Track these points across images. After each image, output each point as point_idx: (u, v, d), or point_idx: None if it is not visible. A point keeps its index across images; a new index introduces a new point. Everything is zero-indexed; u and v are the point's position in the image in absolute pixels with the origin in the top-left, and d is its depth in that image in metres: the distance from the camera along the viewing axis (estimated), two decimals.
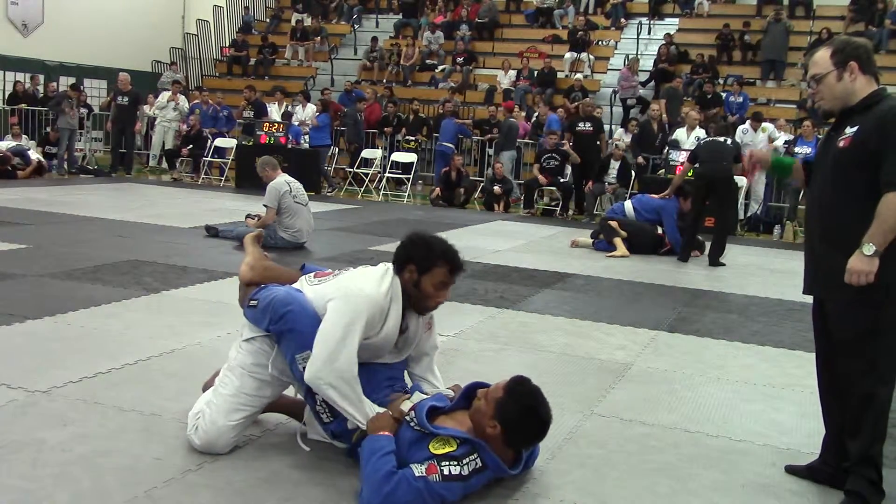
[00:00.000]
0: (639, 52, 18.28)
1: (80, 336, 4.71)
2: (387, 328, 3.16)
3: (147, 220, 9.30)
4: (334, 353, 2.99)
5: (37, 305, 5.23)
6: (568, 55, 18.59)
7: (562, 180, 13.11)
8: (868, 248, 2.95)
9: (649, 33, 19.04)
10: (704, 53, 17.82)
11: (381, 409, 3.07)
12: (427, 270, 3.15)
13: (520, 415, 2.91)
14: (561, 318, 5.90)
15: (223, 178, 14.69)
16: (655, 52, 18.09)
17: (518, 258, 8.40)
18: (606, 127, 14.90)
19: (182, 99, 16.27)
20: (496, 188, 13.27)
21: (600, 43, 19.45)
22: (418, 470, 2.78)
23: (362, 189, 14.41)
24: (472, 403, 3.02)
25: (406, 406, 3.06)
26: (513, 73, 18.13)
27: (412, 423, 2.94)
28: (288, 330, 3.13)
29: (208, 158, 15.04)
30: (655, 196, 9.76)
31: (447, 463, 2.81)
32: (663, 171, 12.33)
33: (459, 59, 19.15)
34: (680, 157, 11.87)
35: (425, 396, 3.14)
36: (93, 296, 5.60)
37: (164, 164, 15.93)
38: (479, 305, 6.12)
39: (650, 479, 3.29)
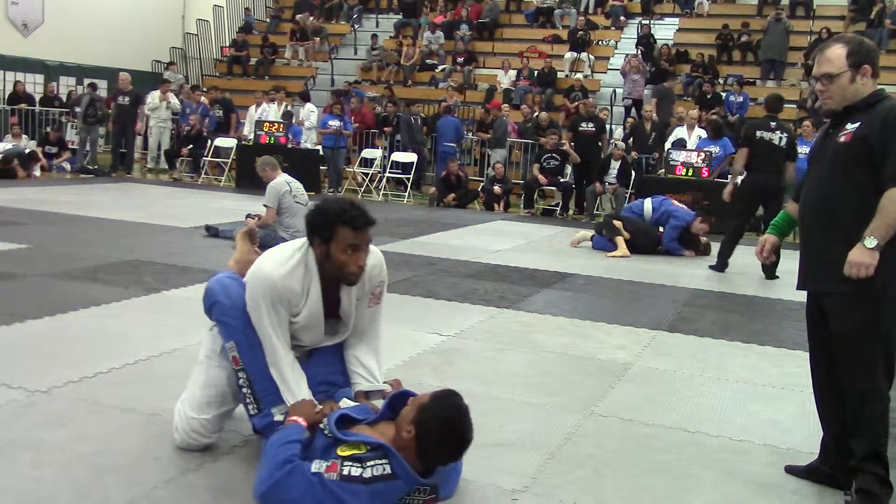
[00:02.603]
0: (654, 51, 18.25)
1: (81, 336, 4.72)
2: (309, 305, 3.06)
3: (147, 219, 9.30)
4: (260, 334, 3.04)
5: (37, 305, 5.23)
6: (568, 55, 18.60)
7: (562, 180, 13.12)
8: (870, 242, 2.96)
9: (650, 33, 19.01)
10: (704, 53, 17.82)
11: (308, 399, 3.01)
12: (331, 238, 3.00)
13: (439, 423, 2.71)
14: (561, 317, 5.91)
15: (223, 178, 14.70)
16: (656, 52, 18.08)
17: (518, 258, 8.40)
18: (607, 127, 14.88)
19: (172, 97, 16.27)
20: (496, 188, 13.27)
21: (600, 43, 19.46)
22: (317, 466, 2.64)
23: (362, 189, 14.40)
24: (398, 413, 2.85)
25: (342, 403, 2.99)
26: (513, 72, 18.14)
27: (325, 431, 2.81)
28: (217, 321, 3.19)
29: (208, 158, 15.05)
30: (681, 204, 9.57)
31: (349, 464, 2.64)
32: (663, 170, 12.32)
33: (459, 59, 19.16)
34: (680, 156, 11.87)
35: (350, 405, 3.01)
36: (93, 296, 5.60)
37: (164, 164, 15.93)
38: (480, 305, 6.12)
39: (650, 479, 3.29)
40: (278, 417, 2.99)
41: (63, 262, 6.65)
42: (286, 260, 3.07)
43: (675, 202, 9.69)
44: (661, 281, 7.64)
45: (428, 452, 2.73)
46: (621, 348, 5.19)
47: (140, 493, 2.86)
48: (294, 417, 2.85)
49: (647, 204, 9.67)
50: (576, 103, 16.81)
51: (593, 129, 13.43)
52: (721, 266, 8.41)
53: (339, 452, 2.68)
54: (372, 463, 2.66)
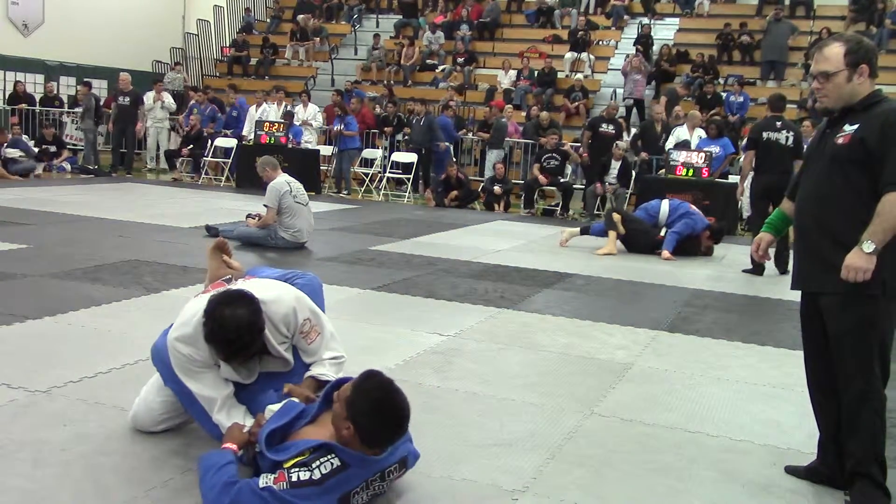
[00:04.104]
0: (651, 51, 18.24)
1: (81, 336, 4.72)
2: (221, 363, 3.05)
3: (147, 220, 9.30)
4: (208, 406, 3.03)
5: (37, 305, 5.23)
6: (568, 55, 18.60)
7: (562, 180, 13.11)
8: (868, 246, 2.96)
9: (650, 33, 19.01)
10: (704, 53, 17.82)
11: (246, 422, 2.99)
12: (204, 340, 2.95)
13: (371, 409, 2.63)
14: (561, 317, 5.90)
15: (223, 178, 14.70)
16: (657, 52, 18.09)
17: (518, 258, 8.40)
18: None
19: (167, 96, 16.27)
20: (496, 188, 13.26)
21: (601, 43, 19.46)
22: (264, 480, 2.58)
23: (363, 189, 14.41)
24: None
25: (267, 413, 2.93)
26: (513, 73, 18.14)
27: (262, 452, 2.76)
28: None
29: (208, 158, 15.06)
30: (699, 212, 9.48)
31: (296, 470, 2.59)
32: (664, 171, 12.32)
33: (460, 60, 19.16)
34: (681, 157, 11.86)
35: (276, 410, 2.92)
36: (93, 296, 5.60)
37: (164, 164, 15.93)
38: (480, 305, 6.12)
39: (650, 479, 3.29)
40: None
41: (63, 263, 6.65)
42: (183, 326, 3.04)
43: (694, 208, 9.56)
44: (661, 281, 7.64)
45: (373, 439, 2.67)
46: (622, 348, 5.19)
47: (139, 493, 2.86)
48: (225, 445, 2.82)
49: (665, 206, 9.51)
50: (576, 103, 16.86)
51: (613, 131, 13.43)
52: (759, 270, 8.33)
53: (285, 464, 2.64)
54: (318, 463, 2.61)
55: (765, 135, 8.13)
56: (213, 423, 3.06)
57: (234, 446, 2.79)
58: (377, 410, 2.66)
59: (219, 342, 2.88)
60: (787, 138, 8.09)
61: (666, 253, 8.98)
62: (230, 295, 2.96)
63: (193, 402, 3.11)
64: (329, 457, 2.63)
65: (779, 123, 8.23)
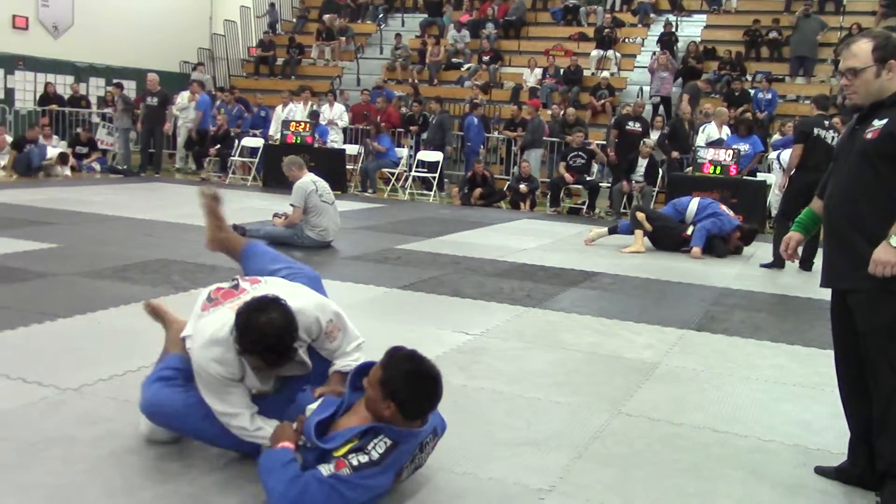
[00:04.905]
0: (676, 49, 18.12)
1: (110, 334, 4.77)
2: (248, 372, 3.02)
3: (175, 219, 9.37)
4: (229, 421, 2.99)
5: (68, 304, 5.29)
6: (594, 53, 18.53)
7: (588, 178, 13.06)
8: (895, 240, 2.92)
9: (676, 30, 18.89)
10: (732, 50, 17.67)
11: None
12: (243, 352, 2.93)
13: (406, 383, 2.73)
14: (588, 316, 5.88)
15: (250, 178, 14.79)
16: (683, 49, 17.97)
17: (544, 256, 8.38)
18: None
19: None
20: (522, 187, 13.23)
21: (627, 40, 19.36)
22: (326, 469, 2.66)
23: (388, 188, 14.43)
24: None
25: (309, 411, 2.95)
26: (539, 71, 18.09)
27: (308, 445, 2.81)
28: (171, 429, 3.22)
29: (235, 158, 15.15)
30: (730, 212, 9.41)
31: (353, 455, 2.69)
32: (691, 168, 12.24)
33: (485, 58, 19.13)
34: (708, 154, 11.77)
35: (315, 406, 2.96)
36: (122, 294, 5.66)
37: (192, 164, 16.06)
38: (506, 304, 6.11)
39: (678, 479, 3.27)
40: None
41: (93, 262, 6.72)
42: (213, 344, 3.00)
43: (724, 207, 9.46)
44: (689, 280, 7.59)
45: (415, 409, 2.78)
46: (649, 347, 5.16)
47: (168, 491, 2.89)
48: (281, 444, 2.83)
49: (693, 204, 9.44)
50: (601, 101, 16.78)
51: (640, 128, 13.35)
52: (779, 264, 8.33)
53: (336, 454, 2.70)
54: (371, 445, 2.71)
55: (815, 130, 8.08)
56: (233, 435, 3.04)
57: (290, 444, 2.82)
58: (412, 381, 2.76)
59: (263, 351, 2.88)
60: (833, 138, 8.04)
61: (696, 250, 8.91)
62: (259, 303, 2.96)
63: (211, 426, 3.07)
64: (379, 437, 2.73)
65: (826, 122, 8.20)
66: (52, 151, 13.90)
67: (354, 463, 2.67)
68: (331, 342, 3.17)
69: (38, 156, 13.52)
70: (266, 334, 2.85)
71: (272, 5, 22.77)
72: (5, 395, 3.68)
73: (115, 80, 17.30)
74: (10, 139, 13.93)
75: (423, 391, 2.79)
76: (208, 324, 3.09)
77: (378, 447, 2.71)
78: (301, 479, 2.64)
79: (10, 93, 17.91)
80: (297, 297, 3.10)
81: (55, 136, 15.21)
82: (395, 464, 2.75)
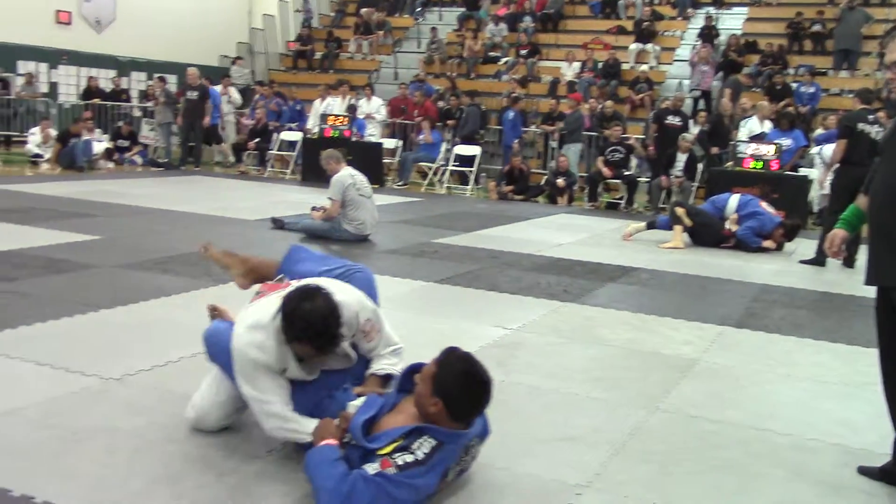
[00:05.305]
0: (716, 42, 17.91)
1: (152, 325, 4.83)
2: (290, 369, 3.04)
3: (215, 212, 9.47)
4: (259, 407, 3.02)
5: (110, 295, 5.38)
6: (633, 46, 18.37)
7: (626, 173, 12.97)
8: None
9: (716, 23, 18.67)
10: (774, 43, 17.42)
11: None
12: (291, 341, 2.96)
13: (457, 382, 2.76)
14: (625, 312, 5.84)
15: (289, 171, 14.89)
16: (724, 43, 17.74)
17: (582, 252, 8.34)
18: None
19: (233, 91, 16.50)
20: (560, 181, 13.17)
21: (666, 33, 19.18)
22: (372, 468, 2.67)
23: (426, 182, 14.46)
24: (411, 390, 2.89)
25: (352, 409, 2.95)
26: (577, 64, 17.98)
27: (352, 443, 2.82)
28: (217, 364, 3.29)
29: (274, 152, 15.27)
30: (770, 208, 9.30)
31: (398, 454, 2.69)
32: (731, 163, 12.10)
33: (523, 52, 19.04)
34: (749, 148, 11.62)
35: (359, 404, 2.96)
36: (163, 286, 5.73)
37: (232, 158, 16.21)
38: (543, 299, 6.09)
39: (716, 476, 3.24)
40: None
41: (134, 254, 6.82)
42: (255, 330, 3.03)
43: (765, 205, 9.36)
44: (728, 276, 7.51)
45: (461, 410, 2.80)
46: (687, 343, 5.12)
47: (210, 480, 2.92)
48: (325, 442, 2.84)
49: (733, 201, 9.35)
50: (640, 95, 16.64)
51: (679, 122, 13.24)
52: (821, 260, 8.23)
53: (381, 452, 2.72)
54: (417, 445, 2.72)
55: (860, 126, 7.96)
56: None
57: (335, 441, 2.83)
58: (463, 382, 2.78)
59: (312, 337, 2.91)
60: (878, 133, 7.90)
61: (768, 242, 8.99)
62: (303, 291, 2.99)
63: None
64: (424, 438, 2.74)
65: (871, 117, 8.06)
66: (98, 146, 14.13)
67: (400, 462, 2.68)
68: (368, 342, 3.20)
69: (85, 151, 13.72)
70: (312, 321, 2.89)
71: (306, 1, 22.81)
72: (49, 384, 3.75)
73: (157, 75, 17.49)
74: (54, 133, 14.16)
75: (473, 393, 2.82)
76: (253, 310, 3.14)
77: (423, 447, 2.72)
78: (349, 477, 2.65)
79: (53, 87, 18.22)
80: (339, 291, 3.12)
81: (98, 130, 15.44)
82: (440, 464, 2.75)
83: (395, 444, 2.72)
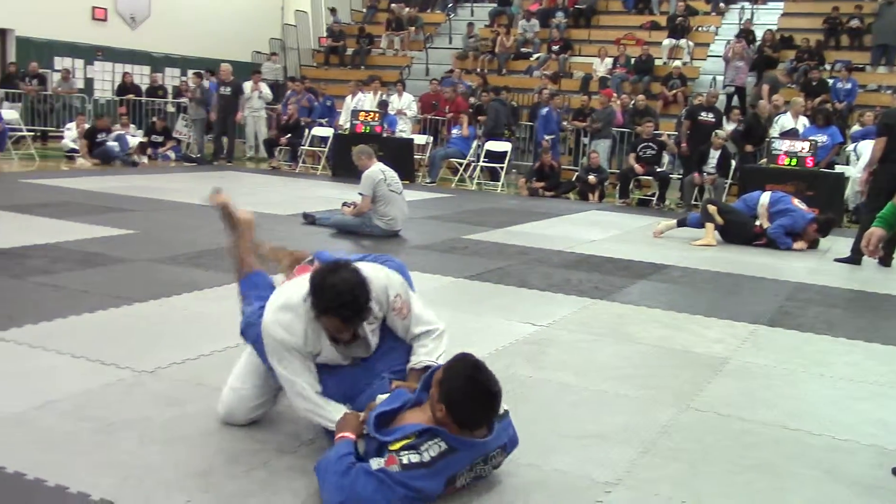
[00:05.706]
0: (754, 39, 17.71)
1: (184, 319, 4.88)
2: (324, 350, 3.06)
3: (247, 207, 9.46)
4: (290, 387, 3.05)
5: (143, 288, 5.44)
6: (666, 42, 18.23)
7: (658, 170, 12.87)
8: None
9: (752, 17, 18.46)
10: (810, 38, 17.18)
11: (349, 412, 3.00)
12: (320, 314, 2.96)
13: (460, 389, 2.70)
14: (657, 309, 5.80)
15: (320, 167, 14.95)
16: (759, 38, 17.53)
17: (613, 248, 8.29)
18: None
19: (264, 86, 16.58)
20: (591, 178, 13.10)
21: (700, 29, 18.99)
22: (376, 463, 2.67)
23: (456, 178, 14.45)
24: None
25: (378, 401, 2.96)
26: (609, 60, 17.87)
27: (370, 434, 2.83)
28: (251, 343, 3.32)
29: (305, 147, 15.34)
30: (802, 205, 9.17)
31: (405, 453, 2.67)
32: (765, 160, 11.96)
33: (555, 47, 18.97)
34: (784, 145, 11.48)
35: (384, 398, 2.97)
36: (196, 280, 5.79)
37: (263, 153, 16.31)
38: (573, 296, 6.07)
39: (748, 475, 3.21)
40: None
41: (168, 248, 6.89)
42: (282, 310, 3.05)
43: (797, 202, 9.23)
44: (761, 274, 7.43)
45: (464, 417, 2.74)
46: (719, 342, 5.07)
47: (240, 473, 2.94)
48: (342, 434, 2.85)
49: (765, 198, 9.23)
50: (673, 91, 16.50)
51: (713, 119, 13.11)
52: (856, 259, 8.11)
53: (391, 448, 2.71)
54: (426, 446, 2.69)
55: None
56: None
57: (353, 435, 2.84)
58: (466, 389, 2.72)
59: (339, 308, 2.91)
60: None
61: (800, 243, 8.88)
62: (328, 266, 3.02)
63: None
64: (436, 440, 2.71)
65: None
66: (133, 141, 14.30)
67: (405, 461, 2.66)
68: (401, 318, 3.18)
69: (121, 146, 13.88)
70: (341, 291, 2.89)
71: (333, 10, 22.66)
72: (83, 376, 3.80)
73: (192, 70, 17.64)
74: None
75: (476, 400, 2.75)
76: (283, 290, 3.17)
77: (431, 450, 2.69)
78: (351, 471, 2.66)
79: (89, 83, 18.46)
80: (368, 268, 3.13)
81: (132, 125, 15.61)
82: (446, 469, 2.71)
83: (405, 441, 2.71)
